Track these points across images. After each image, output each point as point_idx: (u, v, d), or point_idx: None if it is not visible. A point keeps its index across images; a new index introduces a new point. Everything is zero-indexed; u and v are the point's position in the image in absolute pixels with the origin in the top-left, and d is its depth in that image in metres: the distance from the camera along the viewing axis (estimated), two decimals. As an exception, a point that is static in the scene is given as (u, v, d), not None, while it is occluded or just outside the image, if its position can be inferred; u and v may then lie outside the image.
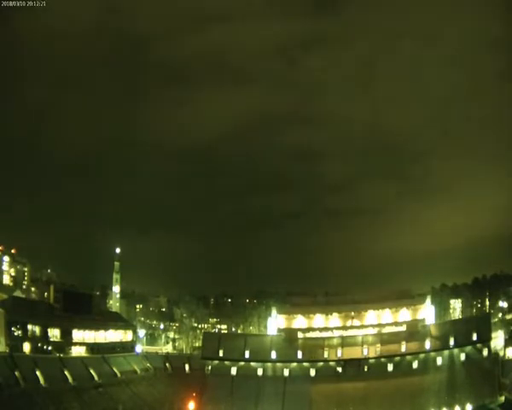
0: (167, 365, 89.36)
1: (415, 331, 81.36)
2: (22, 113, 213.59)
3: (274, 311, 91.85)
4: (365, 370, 79.67)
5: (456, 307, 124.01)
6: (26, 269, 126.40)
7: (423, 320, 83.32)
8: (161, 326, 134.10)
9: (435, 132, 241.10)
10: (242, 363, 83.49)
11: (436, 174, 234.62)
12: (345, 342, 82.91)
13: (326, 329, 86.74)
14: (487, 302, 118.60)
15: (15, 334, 70.90)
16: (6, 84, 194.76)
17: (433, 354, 77.63)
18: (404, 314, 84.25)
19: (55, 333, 76.78)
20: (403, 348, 79.38)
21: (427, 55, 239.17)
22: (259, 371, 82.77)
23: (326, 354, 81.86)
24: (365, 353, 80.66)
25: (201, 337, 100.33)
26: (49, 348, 74.69)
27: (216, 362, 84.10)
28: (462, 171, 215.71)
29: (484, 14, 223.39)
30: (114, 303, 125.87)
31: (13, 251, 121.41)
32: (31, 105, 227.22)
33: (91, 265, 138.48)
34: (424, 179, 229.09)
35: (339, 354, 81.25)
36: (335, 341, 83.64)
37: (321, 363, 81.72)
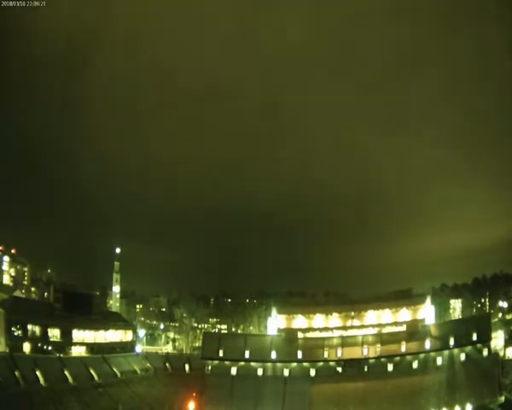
0: (167, 365, 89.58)
1: (415, 331, 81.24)
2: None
3: (274, 311, 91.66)
4: (365, 370, 79.51)
5: (456, 307, 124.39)
6: (26, 269, 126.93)
7: (423, 320, 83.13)
8: (161, 326, 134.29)
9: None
10: (242, 363, 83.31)
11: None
12: (345, 342, 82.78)
13: (326, 329, 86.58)
14: (487, 302, 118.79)
15: (15, 334, 71.13)
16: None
17: (433, 354, 77.51)
18: (404, 314, 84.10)
19: (55, 333, 76.99)
20: (403, 348, 79.27)
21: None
22: (259, 371, 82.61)
23: (326, 354, 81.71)
24: (365, 353, 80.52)
25: (201, 337, 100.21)
26: (49, 348, 74.88)
27: (216, 362, 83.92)
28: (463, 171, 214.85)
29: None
30: (114, 303, 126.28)
31: (13, 251, 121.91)
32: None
33: (91, 265, 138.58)
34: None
35: (339, 354, 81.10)
36: (335, 341, 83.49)
37: (321, 363, 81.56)
